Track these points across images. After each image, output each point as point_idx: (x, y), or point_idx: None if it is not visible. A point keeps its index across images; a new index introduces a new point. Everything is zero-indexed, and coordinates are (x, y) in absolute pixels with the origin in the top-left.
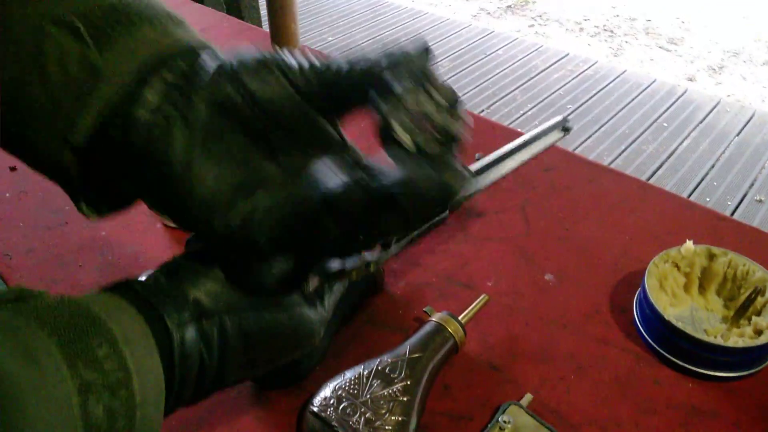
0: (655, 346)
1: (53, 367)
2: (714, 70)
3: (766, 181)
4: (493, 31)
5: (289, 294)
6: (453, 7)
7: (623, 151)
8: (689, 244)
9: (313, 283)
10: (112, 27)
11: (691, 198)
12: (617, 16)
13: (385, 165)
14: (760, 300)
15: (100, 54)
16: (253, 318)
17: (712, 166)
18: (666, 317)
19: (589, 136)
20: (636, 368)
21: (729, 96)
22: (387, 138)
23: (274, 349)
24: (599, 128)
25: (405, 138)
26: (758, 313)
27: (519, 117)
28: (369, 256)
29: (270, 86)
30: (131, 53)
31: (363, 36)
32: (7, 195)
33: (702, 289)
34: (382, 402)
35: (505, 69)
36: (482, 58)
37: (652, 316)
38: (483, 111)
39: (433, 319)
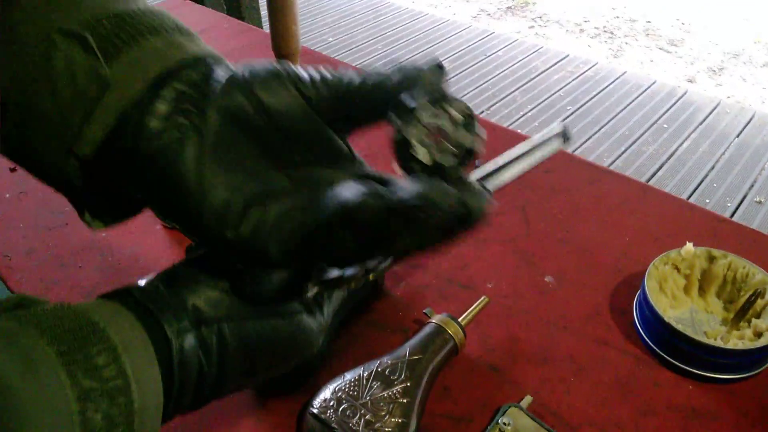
0: (655, 348)
1: (53, 375)
2: (714, 71)
3: (766, 182)
4: (493, 33)
5: (288, 302)
6: (453, 8)
7: (623, 153)
8: (689, 246)
9: (312, 291)
10: (121, 38)
11: (691, 199)
12: (617, 17)
13: (400, 180)
14: (759, 302)
15: (109, 65)
16: (252, 325)
17: (712, 168)
18: (666, 319)
19: (589, 138)
20: (636, 370)
21: (729, 97)
22: (403, 153)
23: (273, 356)
24: (599, 129)
25: (422, 153)
26: (758, 316)
27: (519, 118)
28: (368, 264)
29: (281, 97)
30: (140, 65)
31: (364, 37)
32: (7, 196)
33: (702, 291)
34: (382, 404)
35: (505, 70)
36: (482, 59)
37: (652, 318)
38: (483, 112)
39: (433, 321)
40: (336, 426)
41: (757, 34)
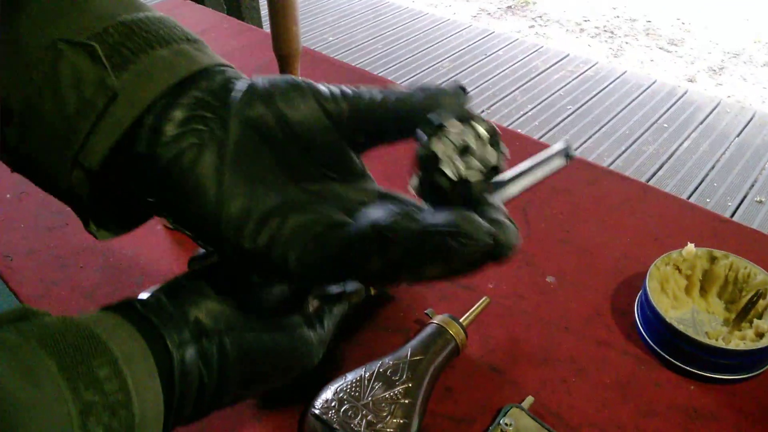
0: (656, 348)
1: (55, 388)
2: (714, 71)
3: (767, 182)
4: (493, 32)
5: (289, 315)
6: (453, 8)
7: (623, 152)
8: (690, 246)
9: (313, 304)
10: (128, 48)
11: (691, 199)
12: (617, 17)
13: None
14: (761, 303)
15: (116, 76)
16: (252, 338)
17: (713, 167)
18: (667, 320)
19: (590, 137)
20: (637, 371)
21: (729, 97)
22: (430, 168)
23: (273, 368)
24: (599, 129)
25: (449, 168)
26: (759, 316)
27: (519, 118)
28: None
29: (302, 110)
30: (148, 75)
31: (364, 36)
32: (8, 196)
33: (703, 291)
34: (383, 404)
35: (505, 70)
36: (482, 59)
37: (653, 319)
38: (483, 112)
39: (435, 322)
40: (338, 427)
41: (757, 33)
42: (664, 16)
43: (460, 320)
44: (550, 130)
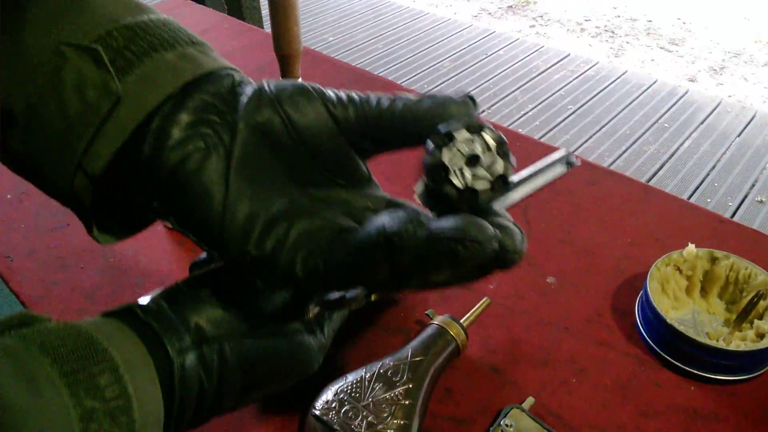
0: (656, 349)
1: (56, 395)
2: (715, 70)
3: (767, 182)
4: (494, 32)
5: (289, 321)
6: (454, 8)
7: (624, 152)
8: (691, 247)
9: (313, 311)
10: (132, 52)
11: (692, 199)
12: (618, 16)
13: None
14: (762, 304)
15: (120, 80)
16: (252, 344)
17: (713, 167)
18: (668, 320)
19: (590, 137)
20: (638, 371)
21: (730, 97)
22: (437, 176)
23: (272, 374)
24: (600, 129)
25: (457, 177)
26: (760, 317)
27: (520, 118)
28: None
29: (309, 115)
30: (152, 79)
31: (364, 36)
32: (9, 197)
33: (704, 292)
34: (384, 405)
35: (506, 69)
36: (483, 59)
37: (653, 319)
38: (484, 112)
39: (435, 322)
40: (338, 428)
41: (757, 33)
42: (664, 15)
43: (461, 321)
44: (551, 129)
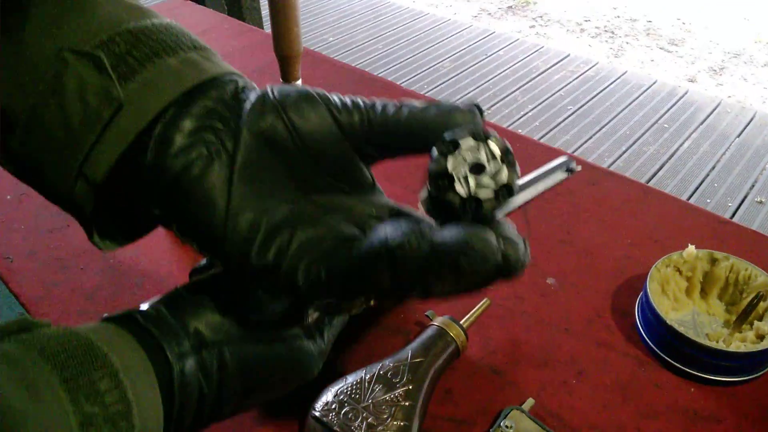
0: (656, 350)
1: (56, 401)
2: (715, 71)
3: (767, 182)
4: (494, 32)
5: (289, 326)
6: (454, 8)
7: (624, 153)
8: (691, 248)
9: (312, 316)
10: (135, 57)
11: (692, 199)
12: (618, 17)
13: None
14: (762, 305)
15: (122, 86)
16: (252, 349)
17: (713, 168)
18: (668, 321)
19: (590, 138)
20: (638, 372)
21: (730, 97)
22: (440, 184)
23: (272, 380)
24: (600, 129)
25: (461, 185)
26: (760, 318)
27: (520, 118)
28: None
29: (313, 121)
30: (154, 86)
31: (364, 37)
32: (8, 197)
33: (704, 293)
34: (384, 407)
35: (506, 70)
36: (483, 59)
37: (653, 321)
38: (484, 112)
39: (435, 324)
40: (338, 429)
41: (757, 33)
42: (664, 16)
43: (461, 322)
44: (551, 130)
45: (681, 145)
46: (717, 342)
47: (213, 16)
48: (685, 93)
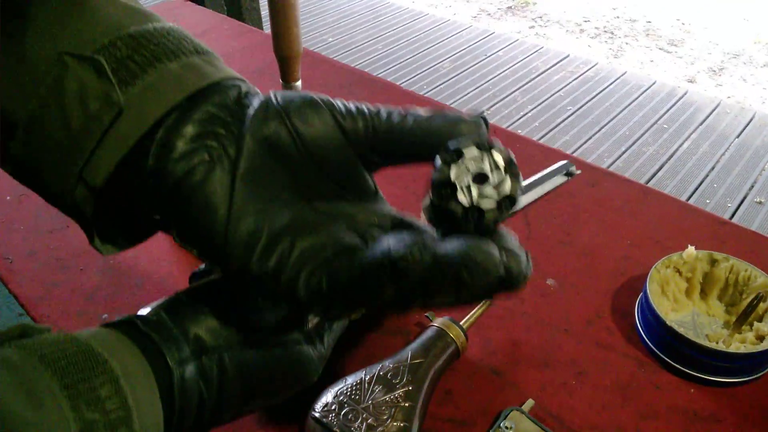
0: (656, 351)
1: (56, 407)
2: (714, 71)
3: (766, 183)
4: (493, 33)
5: (288, 332)
6: (453, 8)
7: (623, 153)
8: (691, 249)
9: (312, 321)
10: (136, 62)
11: (691, 200)
12: (617, 17)
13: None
14: (762, 306)
15: (123, 91)
16: (252, 355)
17: (712, 168)
18: (667, 322)
19: (589, 138)
20: (637, 373)
21: (729, 98)
22: (443, 193)
23: (272, 385)
24: (599, 130)
25: (463, 195)
26: (760, 319)
27: (519, 118)
28: None
29: (317, 127)
30: (155, 90)
31: (363, 37)
32: (8, 198)
33: (704, 294)
34: (383, 408)
35: (505, 70)
36: (483, 60)
37: (653, 321)
38: (483, 113)
39: (435, 324)
40: (338, 430)
41: (756, 34)
42: (663, 16)
43: (461, 323)
44: (551, 130)
45: (680, 146)
46: (717, 343)
47: (212, 17)
48: (685, 93)
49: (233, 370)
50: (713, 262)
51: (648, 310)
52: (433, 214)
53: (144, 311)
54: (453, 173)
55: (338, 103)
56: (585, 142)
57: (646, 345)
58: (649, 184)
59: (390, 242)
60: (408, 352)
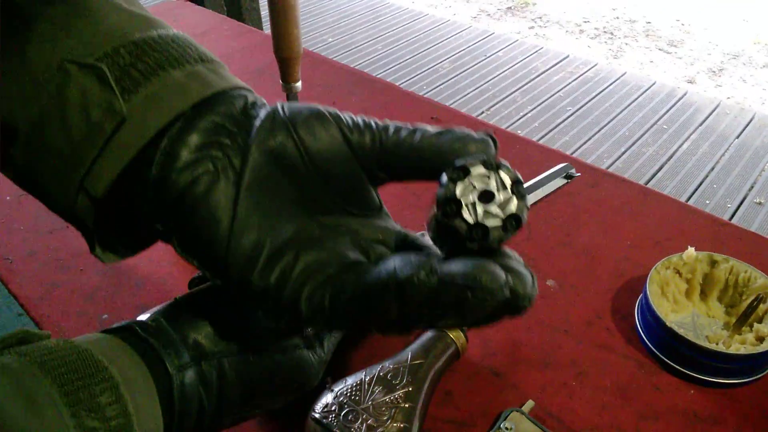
0: (656, 352)
1: (57, 415)
2: (714, 72)
3: (766, 183)
4: (493, 33)
5: (288, 337)
6: (453, 9)
7: (623, 154)
8: (691, 250)
9: None
10: (139, 70)
11: (691, 201)
12: (617, 18)
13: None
14: (761, 307)
15: (126, 100)
16: (251, 360)
17: (712, 169)
18: (667, 323)
19: (589, 139)
20: (637, 374)
21: (729, 98)
22: (448, 210)
23: (272, 390)
24: (599, 130)
25: (468, 212)
26: (760, 320)
27: (519, 119)
28: None
29: (324, 139)
30: (159, 100)
31: (363, 37)
32: (8, 198)
33: (704, 295)
34: (383, 408)
35: (505, 71)
36: (482, 60)
37: (653, 323)
38: (483, 113)
39: None
40: (338, 431)
41: (756, 34)
42: (663, 17)
43: None
44: (550, 131)
45: (680, 147)
46: (717, 344)
47: (212, 17)
48: (684, 94)
49: (233, 376)
50: (713, 263)
51: (648, 311)
52: (437, 231)
53: (143, 317)
54: (459, 190)
55: (346, 116)
56: (585, 143)
57: (646, 346)
58: (649, 185)
59: (396, 263)
60: (408, 353)
